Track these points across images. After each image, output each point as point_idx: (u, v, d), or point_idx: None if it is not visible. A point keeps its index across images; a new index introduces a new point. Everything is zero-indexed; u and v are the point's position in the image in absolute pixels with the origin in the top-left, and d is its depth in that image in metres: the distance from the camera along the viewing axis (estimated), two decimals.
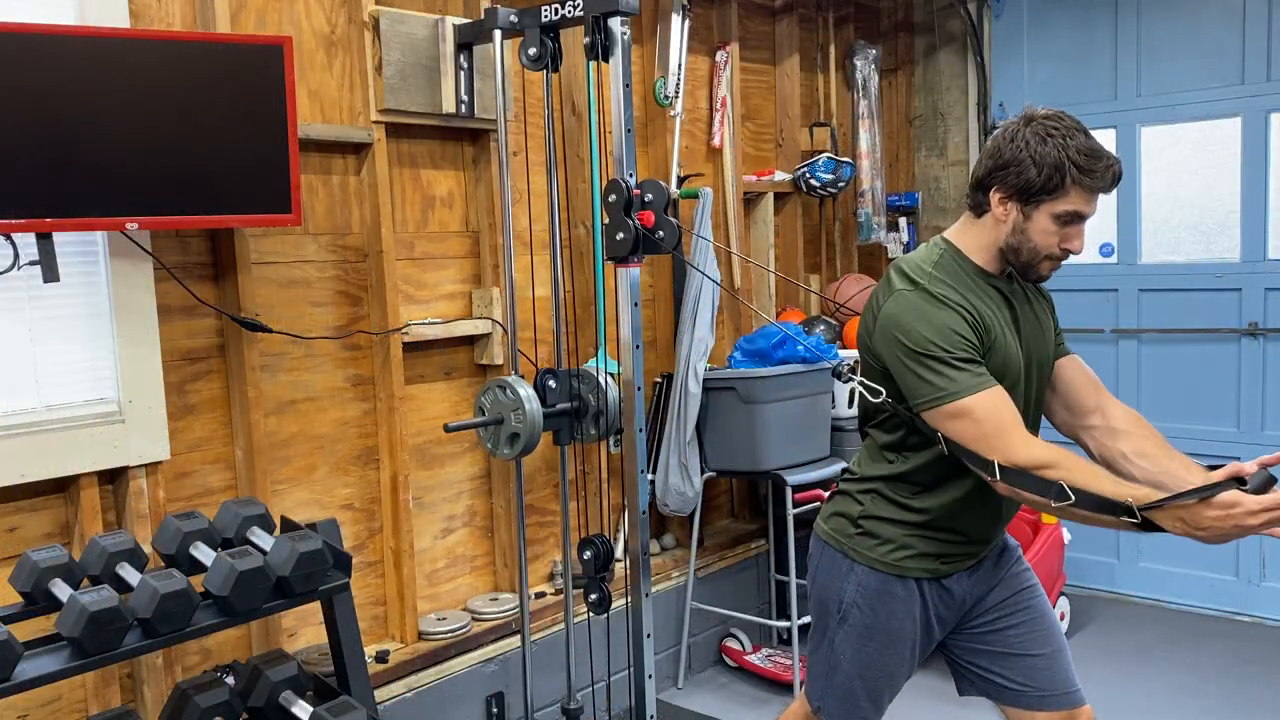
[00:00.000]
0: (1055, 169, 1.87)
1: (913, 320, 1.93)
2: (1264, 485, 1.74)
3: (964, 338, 1.90)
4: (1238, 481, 1.60)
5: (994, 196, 1.96)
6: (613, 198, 2.48)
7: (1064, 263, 2.01)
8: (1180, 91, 4.22)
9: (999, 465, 1.82)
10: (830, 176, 4.24)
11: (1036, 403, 2.11)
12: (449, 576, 3.19)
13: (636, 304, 2.54)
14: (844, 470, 2.21)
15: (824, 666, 2.16)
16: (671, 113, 3.69)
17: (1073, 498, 1.72)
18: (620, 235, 2.47)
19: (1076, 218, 1.93)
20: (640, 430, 2.57)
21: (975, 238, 2.02)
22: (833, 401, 3.85)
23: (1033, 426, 2.10)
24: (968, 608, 2.15)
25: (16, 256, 2.21)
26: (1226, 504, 1.61)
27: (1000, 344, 1.96)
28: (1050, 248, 1.95)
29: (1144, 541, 4.44)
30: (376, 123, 2.84)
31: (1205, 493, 1.61)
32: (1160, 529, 1.68)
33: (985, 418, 1.85)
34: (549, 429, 2.74)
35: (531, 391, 2.65)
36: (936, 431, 1.93)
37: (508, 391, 2.65)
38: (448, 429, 2.66)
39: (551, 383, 2.76)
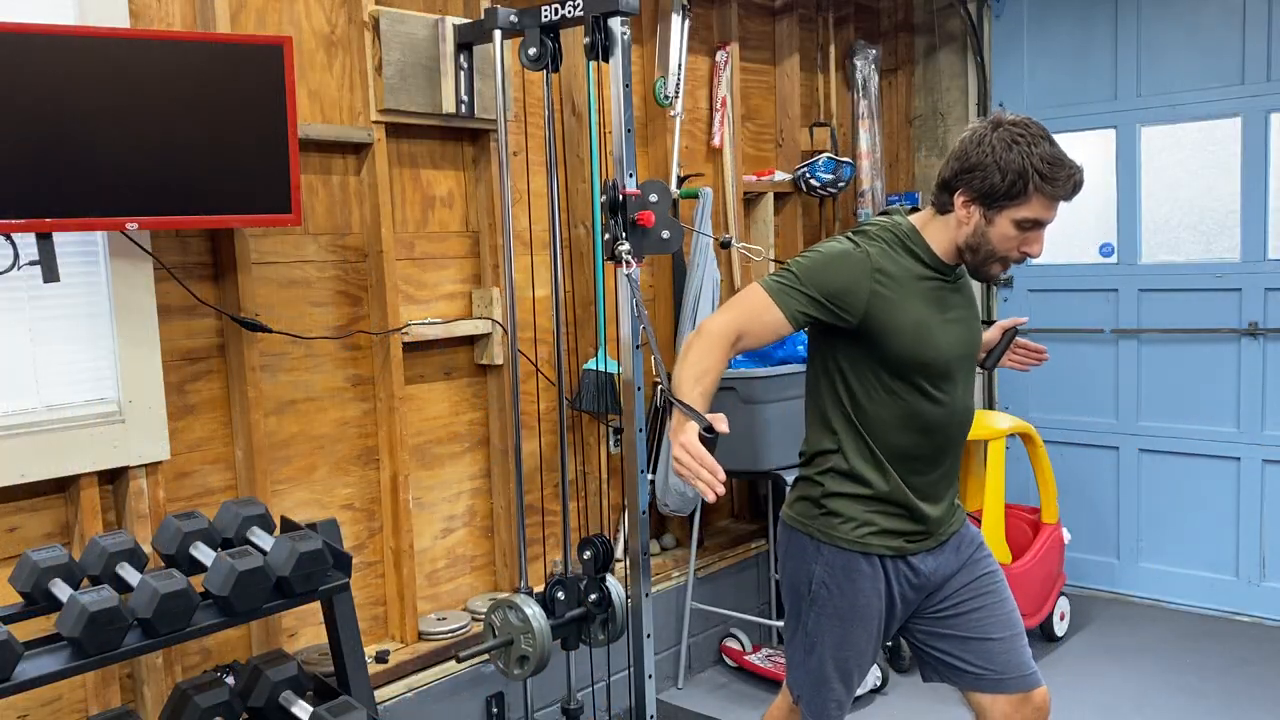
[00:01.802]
0: (1019, 176, 1.93)
1: (808, 252, 2.07)
2: (996, 359, 2.38)
3: (832, 282, 2.00)
4: (708, 428, 1.84)
5: (958, 199, 2.02)
6: (603, 198, 2.48)
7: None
8: (1180, 91, 4.22)
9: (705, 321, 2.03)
10: (830, 176, 4.24)
11: (965, 385, 2.16)
12: (449, 576, 3.19)
13: None
14: (800, 455, 2.25)
15: (800, 652, 2.20)
16: (671, 113, 3.69)
17: (677, 356, 1.98)
18: (607, 235, 2.49)
19: (1036, 224, 1.99)
20: (640, 430, 2.58)
21: (937, 232, 2.08)
22: None
23: (967, 410, 2.18)
24: (931, 589, 2.19)
25: (16, 256, 2.21)
26: (682, 426, 1.85)
27: (908, 320, 2.02)
28: (1008, 251, 2.03)
29: (1144, 542, 4.44)
30: (376, 123, 2.84)
31: (694, 414, 1.86)
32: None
33: (741, 301, 2.03)
34: (558, 638, 2.76)
35: (538, 609, 2.63)
36: (873, 383, 2.07)
37: (516, 613, 2.63)
38: (459, 660, 2.72)
39: (560, 594, 2.77)
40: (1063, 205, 2.01)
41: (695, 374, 1.94)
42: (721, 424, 1.85)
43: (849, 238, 2.08)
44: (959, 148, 2.02)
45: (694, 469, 1.82)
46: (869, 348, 2.04)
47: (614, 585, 2.78)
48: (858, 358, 2.07)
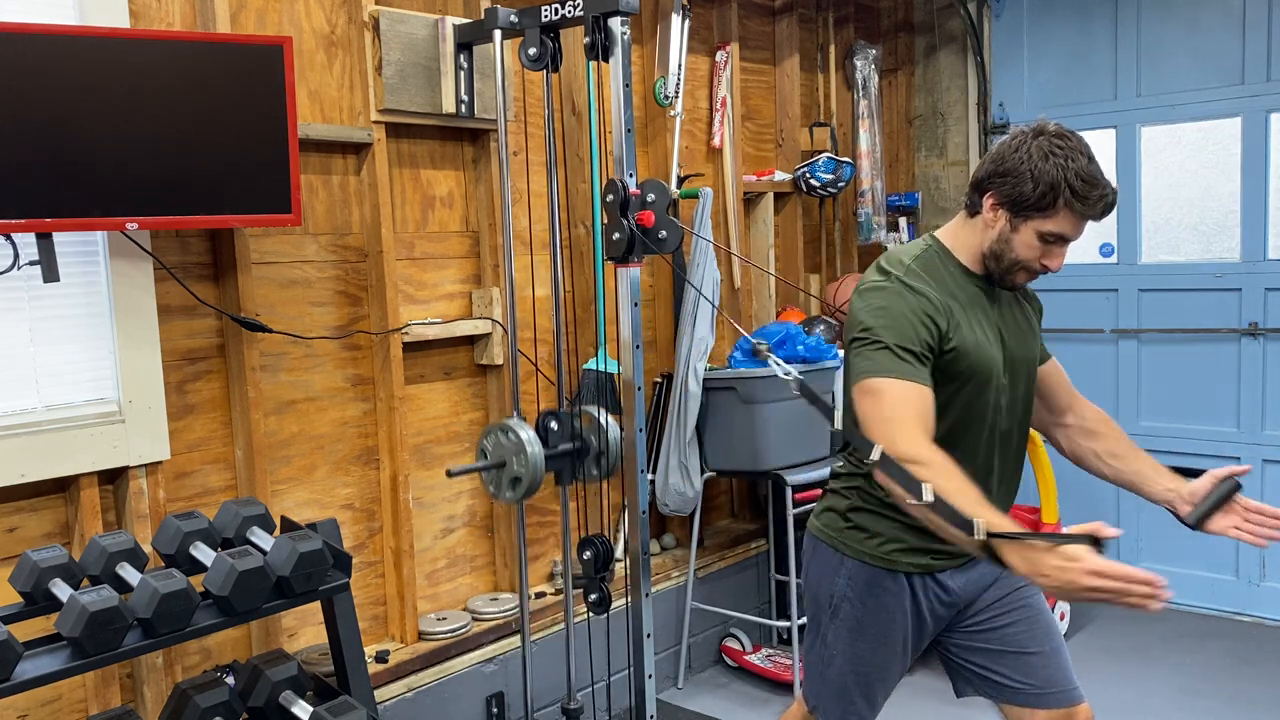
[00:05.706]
0: (1051, 188, 1.89)
1: (874, 311, 1.94)
2: (1205, 513, 1.95)
3: (915, 330, 1.90)
4: (1093, 541, 1.58)
5: (987, 201, 1.98)
6: (610, 198, 2.48)
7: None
8: (1180, 91, 4.22)
9: (881, 450, 1.80)
10: (830, 176, 4.24)
11: (1025, 402, 2.11)
12: (449, 576, 3.19)
13: (636, 304, 2.54)
14: (832, 471, 2.23)
15: (818, 664, 2.16)
16: (671, 113, 3.69)
17: (932, 500, 1.70)
18: (616, 235, 2.48)
19: (1060, 239, 1.95)
20: (640, 430, 2.58)
21: (965, 238, 2.05)
22: (833, 401, 3.85)
23: (1022, 425, 2.12)
24: (963, 605, 2.15)
25: (16, 256, 2.21)
26: (1069, 556, 1.58)
27: (970, 340, 1.96)
28: (1029, 261, 1.98)
29: (1144, 542, 4.44)
30: (376, 123, 2.85)
31: (1056, 540, 1.60)
32: (1003, 561, 1.65)
33: (891, 403, 1.84)
34: (551, 470, 2.73)
35: (533, 434, 2.61)
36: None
37: (510, 435, 2.62)
38: (450, 474, 2.65)
39: (553, 424, 2.74)
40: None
41: (964, 489, 1.71)
42: (1107, 531, 1.59)
43: (890, 278, 1.97)
44: (997, 150, 1.98)
45: (1127, 588, 1.55)
46: (933, 371, 1.94)
47: (610, 424, 2.71)
48: None
